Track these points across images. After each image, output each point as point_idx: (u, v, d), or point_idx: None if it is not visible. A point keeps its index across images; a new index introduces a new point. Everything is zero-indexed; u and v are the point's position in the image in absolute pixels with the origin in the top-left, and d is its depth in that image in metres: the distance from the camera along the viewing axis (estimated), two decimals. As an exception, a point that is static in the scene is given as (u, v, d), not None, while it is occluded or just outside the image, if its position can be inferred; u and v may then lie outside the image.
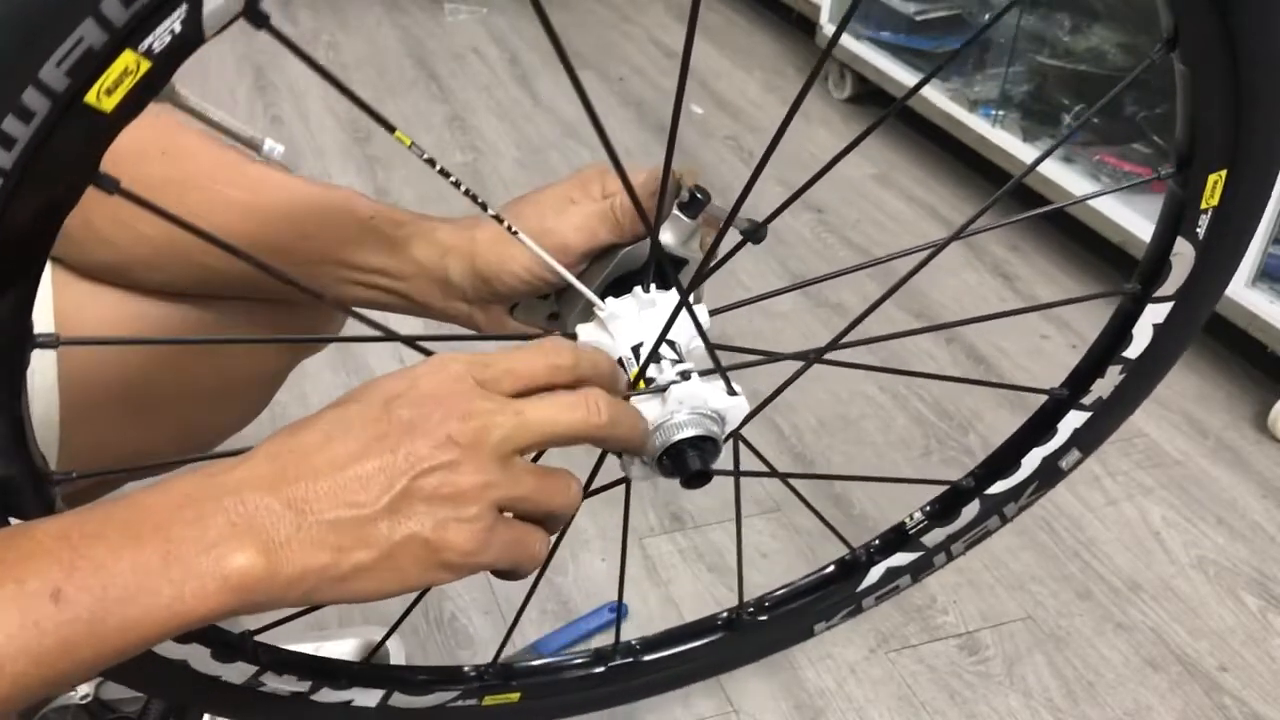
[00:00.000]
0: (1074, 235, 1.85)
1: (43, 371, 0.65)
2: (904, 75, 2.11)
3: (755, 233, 0.59)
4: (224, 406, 0.78)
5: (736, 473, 0.73)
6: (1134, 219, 1.64)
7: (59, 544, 0.42)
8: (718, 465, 0.60)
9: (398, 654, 1.06)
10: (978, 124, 1.94)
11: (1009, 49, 1.98)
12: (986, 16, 2.08)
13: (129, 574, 0.42)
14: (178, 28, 0.38)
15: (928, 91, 2.05)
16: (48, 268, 0.66)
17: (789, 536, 1.29)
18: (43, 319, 0.65)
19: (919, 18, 2.14)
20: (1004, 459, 0.79)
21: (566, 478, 0.53)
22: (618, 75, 2.44)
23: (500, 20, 2.65)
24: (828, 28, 2.31)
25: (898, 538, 0.83)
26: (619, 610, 0.88)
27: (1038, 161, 0.69)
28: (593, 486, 0.66)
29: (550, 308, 0.68)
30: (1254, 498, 1.40)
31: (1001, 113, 1.94)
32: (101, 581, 0.42)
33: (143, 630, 0.43)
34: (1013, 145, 1.88)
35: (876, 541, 0.83)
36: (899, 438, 1.47)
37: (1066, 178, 1.77)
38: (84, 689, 0.87)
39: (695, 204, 0.62)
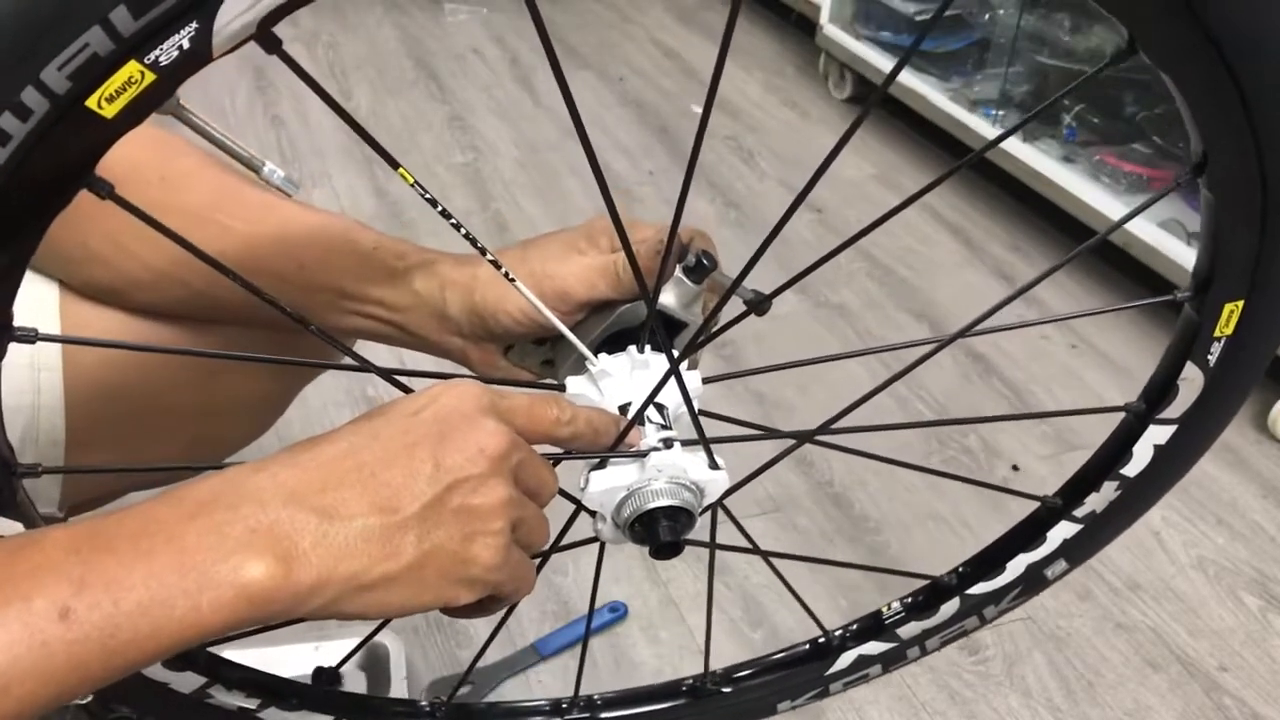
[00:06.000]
0: (1076, 237, 1.85)
1: (49, 390, 0.65)
2: (904, 75, 2.11)
3: (760, 304, 0.57)
4: (229, 425, 0.77)
5: (712, 545, 0.71)
6: (1137, 221, 1.63)
7: (68, 558, 0.40)
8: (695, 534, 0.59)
9: (397, 654, 1.06)
10: (978, 124, 1.95)
11: (1009, 49, 1.98)
12: (987, 17, 2.08)
13: (141, 587, 0.41)
14: (186, 44, 0.38)
15: (928, 91, 2.06)
16: (54, 289, 0.67)
17: (789, 538, 1.29)
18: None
19: (919, 18, 2.14)
20: (990, 559, 0.77)
21: (544, 514, 0.54)
22: (617, 75, 2.44)
23: (500, 20, 2.65)
24: (828, 28, 2.31)
25: (874, 625, 0.81)
26: (589, 628, 0.85)
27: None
28: (563, 543, 0.64)
29: (545, 354, 0.67)
30: (1254, 498, 1.40)
31: (1002, 113, 1.94)
32: (113, 597, 0.40)
33: (156, 644, 0.41)
34: (1013, 145, 1.88)
35: (854, 626, 0.82)
36: (901, 440, 1.46)
37: (1066, 178, 1.77)
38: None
39: (700, 269, 0.60)
